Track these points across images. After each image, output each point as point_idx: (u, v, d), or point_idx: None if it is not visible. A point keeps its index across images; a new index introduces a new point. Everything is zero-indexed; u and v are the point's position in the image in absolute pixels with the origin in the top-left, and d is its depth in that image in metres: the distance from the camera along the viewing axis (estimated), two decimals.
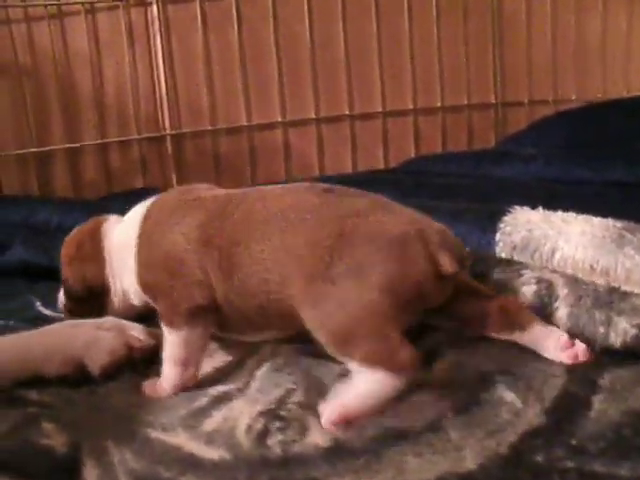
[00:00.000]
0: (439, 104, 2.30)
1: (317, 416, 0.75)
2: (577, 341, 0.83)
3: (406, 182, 1.70)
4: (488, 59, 2.34)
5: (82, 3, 2.00)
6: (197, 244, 0.86)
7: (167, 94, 2.07)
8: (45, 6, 1.98)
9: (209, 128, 2.11)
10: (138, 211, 0.96)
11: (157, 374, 0.87)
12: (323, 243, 0.78)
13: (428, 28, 2.24)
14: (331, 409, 0.73)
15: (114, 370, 0.88)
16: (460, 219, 1.19)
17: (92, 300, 0.98)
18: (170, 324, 0.85)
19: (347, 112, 2.19)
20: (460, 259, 0.79)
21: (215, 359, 0.92)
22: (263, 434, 0.73)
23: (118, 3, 2.02)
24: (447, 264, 0.77)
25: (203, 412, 0.79)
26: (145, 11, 2.06)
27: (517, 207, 1.16)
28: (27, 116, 1.99)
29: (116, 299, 0.97)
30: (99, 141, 2.05)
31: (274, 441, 0.72)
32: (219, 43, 2.09)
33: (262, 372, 0.87)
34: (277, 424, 0.75)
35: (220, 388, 0.84)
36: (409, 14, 2.21)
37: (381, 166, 2.24)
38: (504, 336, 0.86)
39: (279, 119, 2.14)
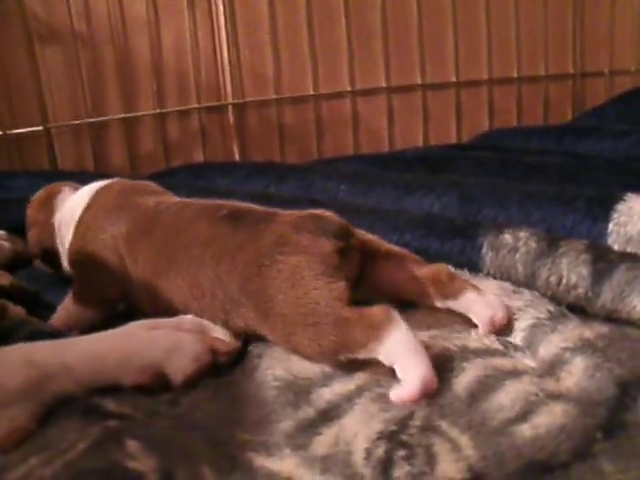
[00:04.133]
0: (515, 74, 2.17)
1: (443, 442, 0.64)
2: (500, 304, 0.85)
3: (488, 160, 1.60)
4: (567, 26, 2.21)
5: None
6: (124, 254, 0.94)
7: (229, 61, 1.98)
8: None
9: (273, 97, 2.01)
10: (84, 196, 1.04)
11: (241, 377, 0.79)
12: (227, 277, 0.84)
13: None
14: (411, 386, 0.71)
15: (197, 378, 0.78)
16: (569, 206, 1.10)
17: (49, 260, 1.12)
18: (76, 300, 0.98)
19: (419, 82, 2.08)
20: (340, 236, 0.82)
21: None
22: (386, 463, 0.62)
23: None
24: (329, 245, 0.81)
25: (311, 427, 0.69)
26: None
27: (631, 194, 1.06)
28: (82, 85, 1.92)
29: (65, 263, 1.07)
30: (157, 111, 1.97)
31: (401, 473, 0.61)
32: (285, 7, 1.99)
33: (380, 390, 0.75)
34: (401, 452, 0.63)
35: (326, 395, 0.73)
36: None
37: (453, 139, 2.14)
38: (438, 304, 0.87)
39: (348, 88, 2.04)
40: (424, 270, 0.88)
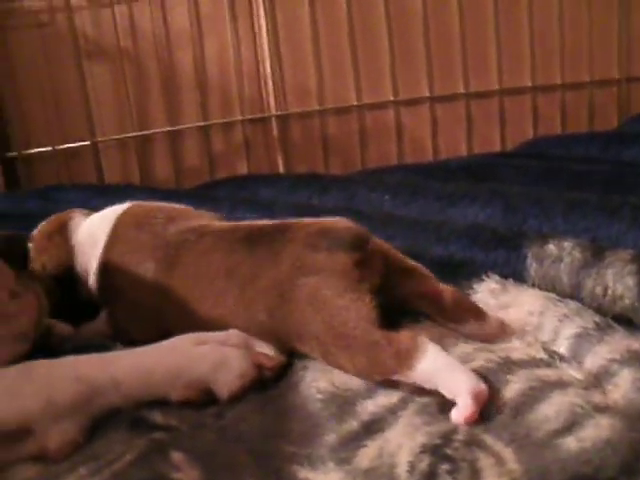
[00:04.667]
0: (559, 81, 2.14)
1: (487, 456, 0.63)
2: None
3: (532, 168, 1.59)
4: (612, 31, 2.17)
5: None
6: (154, 288, 0.93)
7: (272, 73, 1.99)
8: None
9: (317, 108, 2.01)
10: (105, 223, 1.03)
11: (286, 390, 0.79)
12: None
13: None
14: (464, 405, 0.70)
15: (243, 393, 0.78)
16: (614, 216, 1.09)
17: (66, 283, 1.05)
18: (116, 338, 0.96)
19: (462, 90, 2.06)
20: (356, 246, 0.83)
21: None
22: (429, 477, 0.62)
23: None
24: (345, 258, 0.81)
25: (355, 440, 0.69)
26: None
27: None
28: (128, 100, 1.96)
29: (81, 284, 1.04)
30: (201, 123, 1.99)
31: None
32: (327, 18, 1.99)
33: (423, 400, 0.75)
34: (445, 466, 0.63)
35: (370, 407, 0.73)
36: None
37: (497, 148, 2.11)
38: (452, 326, 0.87)
39: (391, 98, 2.03)
40: (431, 290, 0.89)
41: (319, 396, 0.76)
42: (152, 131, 1.99)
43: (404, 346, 0.74)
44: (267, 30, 1.97)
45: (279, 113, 2.00)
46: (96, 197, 1.63)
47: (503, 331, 0.86)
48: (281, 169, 2.01)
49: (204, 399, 0.78)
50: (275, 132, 2.01)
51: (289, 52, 1.99)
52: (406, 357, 0.73)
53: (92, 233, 1.03)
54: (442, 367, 0.73)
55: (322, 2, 1.98)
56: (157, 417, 0.76)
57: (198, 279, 0.90)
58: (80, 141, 1.97)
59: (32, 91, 1.96)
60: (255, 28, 1.98)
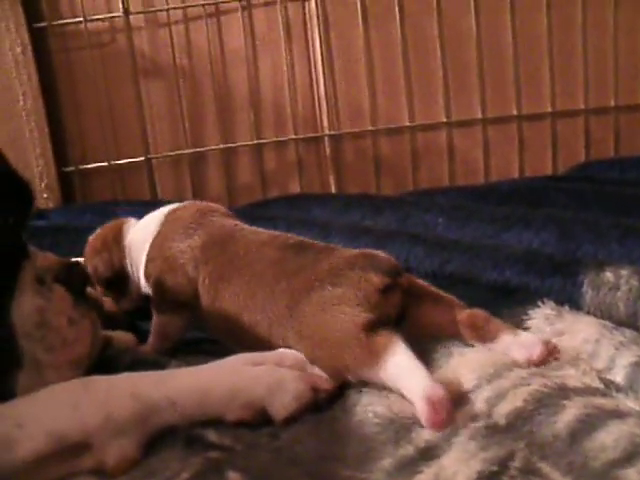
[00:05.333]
0: (612, 103, 2.12)
1: None
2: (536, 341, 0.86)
3: (585, 192, 1.57)
4: None
5: (239, 0, 1.96)
6: (197, 261, 1.01)
7: (325, 93, 2.00)
8: (203, 5, 1.96)
9: (369, 128, 2.01)
10: (157, 216, 1.11)
11: (341, 413, 0.79)
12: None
13: (603, 18, 2.04)
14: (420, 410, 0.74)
15: (298, 415, 0.79)
16: None
17: (116, 285, 1.15)
18: (155, 309, 1.05)
19: (515, 112, 2.04)
20: (388, 274, 0.88)
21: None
22: None
23: None
24: (376, 281, 0.87)
25: (411, 466, 0.68)
26: (303, 6, 1.99)
27: None
28: (182, 117, 1.98)
29: (133, 285, 1.13)
30: (254, 142, 2.01)
31: None
32: (380, 38, 1.99)
33: (476, 426, 0.74)
34: None
35: (425, 434, 0.73)
36: (583, 3, 2.02)
37: (549, 170, 2.09)
38: (476, 343, 0.90)
39: (443, 119, 2.02)
40: (463, 315, 0.91)
41: (375, 420, 0.76)
42: (206, 148, 2.01)
43: (376, 346, 0.80)
44: (321, 50, 1.98)
45: (332, 133, 2.01)
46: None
47: (536, 343, 0.86)
48: (333, 188, 2.01)
49: (259, 420, 0.78)
50: (328, 151, 2.02)
51: (343, 72, 2.00)
52: (376, 355, 0.79)
53: (143, 230, 1.11)
54: (405, 370, 0.78)
55: (376, 23, 1.98)
56: (212, 436, 0.76)
57: (243, 257, 0.98)
58: (135, 157, 2.00)
59: (90, 108, 2.01)
60: (309, 48, 1.99)
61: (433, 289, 0.95)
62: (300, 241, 1.00)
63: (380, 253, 0.92)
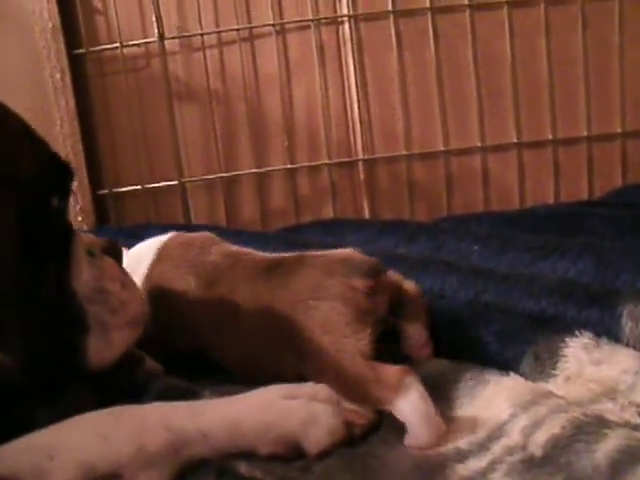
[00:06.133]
0: None
1: None
2: None
3: (622, 218, 1.55)
4: None
5: (273, 25, 1.96)
6: (192, 302, 1.02)
7: (359, 117, 1.99)
8: (237, 30, 1.97)
9: (403, 153, 2.00)
10: (150, 248, 1.10)
11: (376, 447, 0.78)
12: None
13: None
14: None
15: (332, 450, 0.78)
16: None
17: None
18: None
19: (550, 137, 2.02)
20: (370, 275, 0.90)
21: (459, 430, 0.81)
22: None
23: (309, 23, 1.96)
24: (360, 285, 0.88)
25: None
26: (337, 30, 1.99)
27: None
28: (216, 141, 1.99)
29: None
30: (288, 166, 2.01)
31: None
32: (415, 63, 1.98)
33: (512, 460, 0.73)
34: None
35: (460, 470, 0.72)
36: (620, 25, 1.99)
37: (585, 195, 2.07)
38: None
39: (478, 144, 2.01)
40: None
41: (410, 457, 0.75)
42: (239, 172, 2.01)
43: (392, 381, 0.81)
44: (355, 74, 1.98)
45: (366, 157, 2.00)
46: None
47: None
48: (366, 213, 2.00)
49: (292, 454, 0.77)
50: (361, 176, 2.01)
51: (376, 96, 1.99)
52: (389, 392, 0.81)
53: (138, 256, 1.10)
54: (415, 411, 0.80)
55: (410, 47, 1.98)
56: (243, 468, 0.75)
57: (229, 304, 0.98)
58: (168, 181, 2.01)
59: (125, 132, 2.02)
60: (343, 72, 1.99)
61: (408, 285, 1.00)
62: (269, 263, 0.99)
63: (356, 254, 0.95)
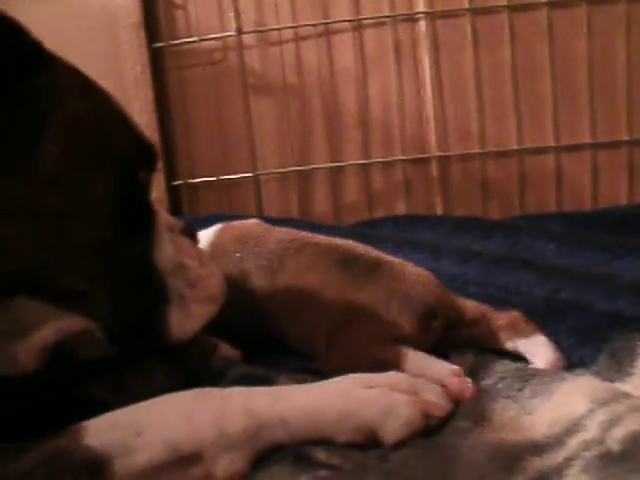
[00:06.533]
0: None
1: None
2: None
3: None
4: None
5: (349, 21, 1.98)
6: (251, 286, 1.05)
7: (434, 114, 2.00)
8: (314, 25, 1.99)
9: (477, 151, 2.00)
10: (207, 235, 1.12)
11: (451, 438, 0.78)
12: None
13: None
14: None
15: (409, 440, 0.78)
16: None
17: None
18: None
19: (625, 137, 2.00)
20: (422, 317, 0.94)
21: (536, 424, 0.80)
22: None
23: (385, 19, 1.97)
24: (408, 327, 0.93)
25: None
26: (413, 27, 1.99)
27: None
28: (291, 135, 2.01)
29: None
30: (362, 161, 2.02)
31: None
32: (490, 61, 1.98)
33: (588, 455, 0.73)
34: None
35: (537, 464, 0.72)
36: None
37: None
38: (509, 345, 0.97)
39: (552, 143, 1.99)
40: (502, 318, 0.98)
41: (486, 447, 0.75)
42: (313, 166, 2.03)
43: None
44: (430, 71, 1.98)
45: (440, 154, 2.00)
46: None
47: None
48: (439, 210, 2.01)
49: (369, 443, 0.77)
50: (435, 173, 2.01)
51: (451, 93, 2.00)
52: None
53: None
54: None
55: (486, 45, 1.98)
56: (321, 454, 0.76)
57: (293, 286, 1.01)
58: (242, 173, 2.04)
59: (201, 124, 2.06)
60: (418, 69, 1.99)
61: (471, 311, 1.01)
62: (344, 256, 1.02)
63: (422, 289, 0.97)
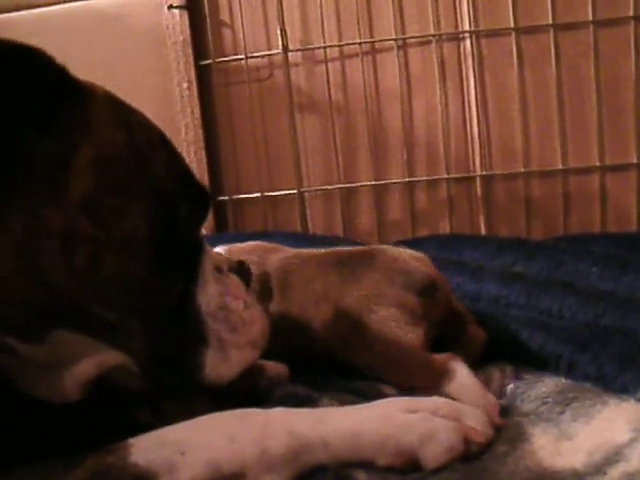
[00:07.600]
0: None
1: None
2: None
3: None
4: None
5: (395, 39, 1.99)
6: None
7: (479, 133, 2.00)
8: (360, 43, 2.00)
9: (521, 170, 1.99)
10: None
11: (491, 463, 0.78)
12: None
13: None
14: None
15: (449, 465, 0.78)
16: None
17: None
18: None
19: None
20: (424, 293, 1.02)
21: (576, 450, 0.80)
22: None
23: (430, 38, 1.98)
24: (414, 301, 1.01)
25: None
26: (458, 46, 2.00)
27: None
28: (336, 152, 2.03)
29: None
30: (406, 179, 2.03)
31: None
32: (535, 80, 1.98)
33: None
34: None
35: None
36: None
37: None
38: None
39: (597, 163, 1.97)
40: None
41: (526, 474, 0.76)
42: (358, 184, 2.05)
43: (438, 366, 0.94)
44: (475, 90, 1.98)
45: (484, 173, 2.00)
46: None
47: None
48: (483, 229, 2.01)
49: (409, 467, 0.78)
50: (479, 192, 2.01)
51: (496, 112, 1.99)
52: (438, 377, 0.93)
53: None
54: (465, 389, 0.92)
55: (531, 63, 1.97)
56: (361, 476, 0.76)
57: (306, 302, 1.06)
58: (287, 189, 2.06)
59: (247, 140, 2.08)
60: (464, 88, 2.00)
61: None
62: (339, 257, 1.09)
63: (417, 265, 1.05)
